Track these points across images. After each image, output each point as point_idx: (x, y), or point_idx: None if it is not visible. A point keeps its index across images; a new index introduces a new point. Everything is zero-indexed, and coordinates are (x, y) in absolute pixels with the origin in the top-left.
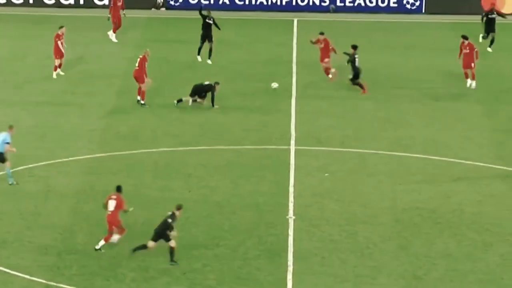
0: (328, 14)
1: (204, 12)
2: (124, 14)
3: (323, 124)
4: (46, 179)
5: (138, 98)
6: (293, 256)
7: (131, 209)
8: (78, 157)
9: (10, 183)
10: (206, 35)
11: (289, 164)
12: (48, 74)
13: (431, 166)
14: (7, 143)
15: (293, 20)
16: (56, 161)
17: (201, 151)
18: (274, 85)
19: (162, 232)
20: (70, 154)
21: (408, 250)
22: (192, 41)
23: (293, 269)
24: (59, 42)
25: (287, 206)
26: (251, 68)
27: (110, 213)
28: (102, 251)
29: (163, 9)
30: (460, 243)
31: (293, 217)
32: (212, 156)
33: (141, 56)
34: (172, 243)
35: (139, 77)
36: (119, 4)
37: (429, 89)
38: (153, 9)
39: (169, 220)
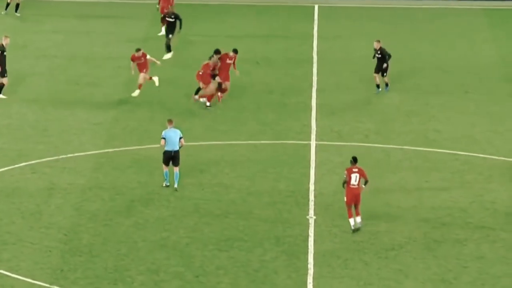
0: (351, 0)
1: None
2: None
3: (345, 117)
4: (49, 176)
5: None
6: (314, 258)
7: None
8: (83, 153)
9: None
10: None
11: (309, 160)
12: (50, 64)
13: (460, 162)
14: (181, 137)
15: (313, 7)
16: (60, 157)
17: (214, 146)
18: (155, 78)
19: None
20: (74, 149)
21: (436, 252)
22: (206, 34)
23: (314, 272)
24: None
25: (307, 205)
26: (269, 58)
27: (356, 186)
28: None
29: None
30: (493, 245)
31: (314, 217)
32: (226, 151)
33: None
34: None
35: None
36: None
37: (457, 81)
38: None
39: None
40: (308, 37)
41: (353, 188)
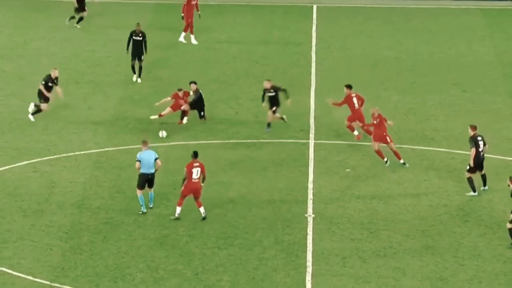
0: (350, 0)
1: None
2: (199, 14)
3: (343, 116)
4: (50, 175)
5: None
6: (312, 257)
7: None
8: (83, 151)
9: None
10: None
11: (308, 158)
12: (49, 63)
13: (457, 161)
14: (157, 158)
15: (312, 7)
16: (61, 155)
17: (214, 145)
18: (162, 133)
19: None
20: (74, 147)
21: (433, 250)
22: (203, 35)
23: (312, 270)
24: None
25: (306, 203)
26: (268, 58)
27: (196, 181)
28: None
29: None
30: (490, 243)
31: (312, 215)
32: (225, 150)
33: None
34: None
35: None
36: (194, 2)
37: (455, 79)
38: None
39: None
40: (306, 37)
41: (194, 182)
